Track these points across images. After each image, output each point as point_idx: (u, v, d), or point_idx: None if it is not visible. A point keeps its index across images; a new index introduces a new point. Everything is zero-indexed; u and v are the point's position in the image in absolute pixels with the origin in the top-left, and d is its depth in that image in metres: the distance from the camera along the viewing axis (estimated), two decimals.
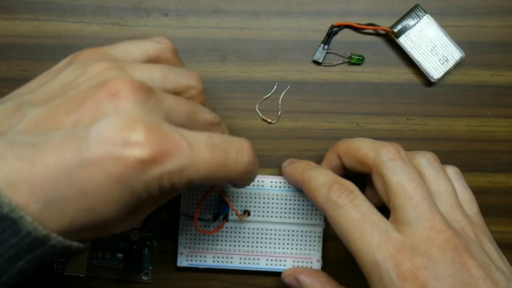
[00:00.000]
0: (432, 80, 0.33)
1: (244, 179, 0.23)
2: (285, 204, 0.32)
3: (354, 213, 0.25)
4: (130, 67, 0.21)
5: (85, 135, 0.18)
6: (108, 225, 0.20)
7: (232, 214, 0.31)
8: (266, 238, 0.32)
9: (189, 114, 0.22)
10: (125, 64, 0.22)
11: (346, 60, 0.33)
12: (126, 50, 0.23)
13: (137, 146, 0.18)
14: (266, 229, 0.32)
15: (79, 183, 0.18)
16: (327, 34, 0.33)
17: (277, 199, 0.32)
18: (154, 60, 0.24)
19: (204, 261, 0.32)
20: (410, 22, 0.33)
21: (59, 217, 0.18)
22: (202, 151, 0.20)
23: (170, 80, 0.23)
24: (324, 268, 0.32)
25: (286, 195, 0.32)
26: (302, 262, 0.31)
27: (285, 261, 0.31)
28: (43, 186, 0.18)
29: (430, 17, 0.33)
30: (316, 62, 0.33)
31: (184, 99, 0.23)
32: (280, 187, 0.32)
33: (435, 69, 0.33)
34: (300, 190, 0.32)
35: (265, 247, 0.32)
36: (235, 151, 0.22)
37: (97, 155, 0.18)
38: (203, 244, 0.31)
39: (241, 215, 0.31)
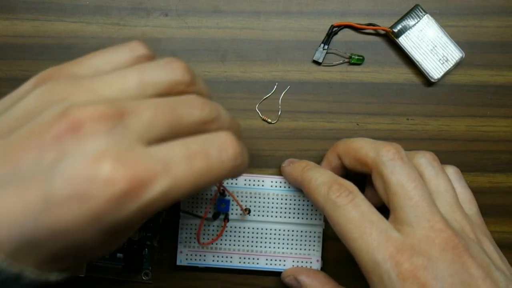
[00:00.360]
0: (432, 80, 0.33)
1: (235, 173, 0.21)
2: (285, 204, 0.32)
3: (353, 213, 0.25)
4: (97, 85, 0.20)
5: (49, 175, 0.17)
6: (88, 255, 0.19)
7: (232, 214, 0.31)
8: (266, 238, 0.32)
9: (171, 122, 0.20)
10: (92, 82, 0.20)
11: (346, 60, 0.33)
12: (93, 65, 0.21)
13: (106, 183, 0.17)
14: (266, 229, 0.32)
15: (48, 225, 0.17)
16: (327, 34, 0.33)
17: (277, 199, 0.32)
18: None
19: (204, 260, 0.32)
20: (410, 22, 0.33)
21: (34, 255, 0.17)
22: (180, 167, 0.18)
23: (149, 84, 0.20)
24: (323, 268, 0.32)
25: (286, 195, 0.32)
26: (302, 262, 0.31)
27: (284, 261, 0.31)
28: (11, 228, 0.17)
29: (430, 17, 0.33)
30: (316, 62, 0.33)
31: (166, 104, 0.20)
32: (280, 187, 0.32)
33: (435, 69, 0.33)
34: (300, 190, 0.32)
35: (265, 247, 0.32)
36: (217, 151, 0.20)
37: (63, 196, 0.17)
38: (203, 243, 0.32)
39: (241, 214, 0.31)
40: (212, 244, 0.31)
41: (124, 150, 0.18)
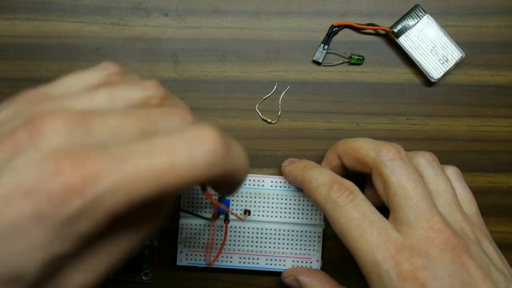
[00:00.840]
0: (432, 80, 0.33)
1: (221, 175, 0.18)
2: (285, 204, 0.32)
3: (354, 213, 0.25)
4: (68, 101, 0.19)
5: None
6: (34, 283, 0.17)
7: (232, 214, 0.31)
8: (266, 238, 0.32)
9: (144, 128, 0.18)
10: (62, 99, 0.19)
11: (346, 60, 0.33)
12: (66, 85, 0.20)
13: (50, 175, 0.16)
14: (266, 229, 0.32)
15: None
16: (327, 34, 0.33)
17: (277, 199, 0.32)
18: None
19: (204, 260, 0.32)
20: (410, 22, 0.33)
21: None
22: (135, 163, 0.17)
23: (120, 99, 0.19)
24: (323, 268, 0.32)
25: (286, 195, 0.32)
26: (302, 262, 0.31)
27: (284, 261, 0.32)
28: None
29: (430, 17, 0.33)
30: (316, 62, 0.33)
31: (138, 114, 0.19)
32: (280, 187, 0.32)
33: (435, 69, 0.33)
34: (300, 190, 0.32)
35: (265, 247, 0.32)
36: (186, 144, 0.17)
37: (6, 191, 0.16)
38: (203, 243, 0.31)
39: (241, 215, 0.31)
40: (213, 246, 0.31)
41: (79, 147, 0.17)
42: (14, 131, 0.17)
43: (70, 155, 0.16)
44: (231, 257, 0.32)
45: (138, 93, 0.20)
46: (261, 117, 0.33)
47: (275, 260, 0.32)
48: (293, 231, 0.32)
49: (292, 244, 0.32)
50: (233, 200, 0.31)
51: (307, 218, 0.32)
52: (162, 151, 0.17)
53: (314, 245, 0.32)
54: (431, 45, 0.33)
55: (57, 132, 0.17)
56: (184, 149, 0.17)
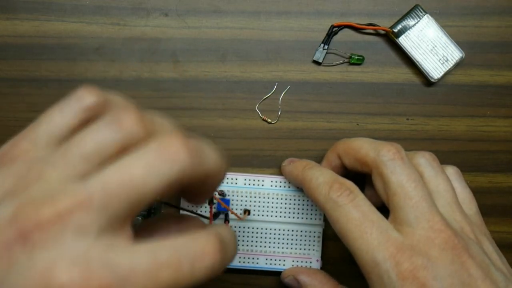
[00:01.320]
0: (432, 80, 0.33)
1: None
2: (285, 203, 0.32)
3: (354, 212, 0.25)
4: (45, 168, 0.18)
5: None
6: None
7: (232, 214, 0.31)
8: (265, 238, 0.32)
9: (135, 201, 0.17)
10: (40, 167, 0.18)
11: (346, 60, 0.33)
12: (42, 136, 0.19)
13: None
14: (266, 229, 0.32)
15: None
16: (327, 34, 0.33)
17: (277, 198, 0.32)
18: (84, 122, 0.20)
19: None
20: (410, 22, 0.33)
21: None
22: (140, 281, 0.16)
23: (95, 155, 0.18)
24: (323, 268, 0.32)
25: (286, 195, 0.32)
26: (302, 262, 0.31)
27: (284, 260, 0.31)
28: None
29: (430, 17, 0.33)
30: (316, 62, 0.33)
31: (124, 181, 0.17)
32: (280, 186, 0.32)
33: (435, 69, 0.33)
34: (300, 190, 0.32)
35: (265, 247, 0.32)
36: (191, 261, 0.18)
37: None
38: None
39: (241, 214, 0.31)
40: None
41: (78, 255, 0.16)
42: (5, 234, 0.16)
43: (73, 264, 0.16)
44: None
45: (113, 139, 0.18)
46: (261, 117, 0.33)
47: (275, 260, 0.32)
48: (293, 231, 0.32)
49: (292, 244, 0.32)
50: (233, 200, 0.31)
51: (307, 218, 0.32)
52: (167, 269, 0.17)
53: (314, 245, 0.32)
54: (431, 45, 0.33)
55: (47, 240, 0.16)
56: (188, 266, 0.18)
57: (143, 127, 0.19)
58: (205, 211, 0.32)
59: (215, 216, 0.31)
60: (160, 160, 0.17)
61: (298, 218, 0.32)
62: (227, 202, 0.31)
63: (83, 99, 0.20)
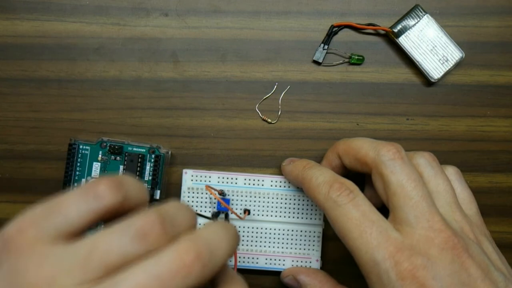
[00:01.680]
0: (432, 80, 0.33)
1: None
2: (285, 203, 0.32)
3: (354, 212, 0.25)
4: (53, 272, 0.17)
5: None
6: None
7: (232, 213, 0.31)
8: (265, 238, 0.32)
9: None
10: (48, 269, 0.17)
11: (346, 60, 0.33)
12: (51, 227, 0.18)
13: None
14: (266, 229, 0.32)
15: None
16: (327, 34, 0.33)
17: (277, 198, 0.32)
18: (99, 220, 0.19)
19: None
20: (410, 22, 0.33)
21: None
22: None
23: (95, 267, 0.17)
24: (323, 268, 0.32)
25: (286, 195, 0.32)
26: (301, 261, 0.31)
27: (284, 260, 0.32)
28: None
29: (430, 17, 0.33)
30: (316, 62, 0.33)
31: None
32: (280, 186, 0.32)
33: (435, 69, 0.33)
34: (300, 189, 0.32)
35: (265, 247, 0.32)
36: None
37: None
38: None
39: (241, 214, 0.31)
40: None
41: None
42: None
43: None
44: None
45: (137, 250, 0.18)
46: (261, 117, 0.33)
47: (275, 259, 0.32)
48: (292, 230, 0.32)
49: (291, 243, 0.32)
50: (233, 200, 0.31)
51: (306, 218, 0.32)
52: None
53: (313, 245, 0.32)
54: (431, 45, 0.33)
55: None
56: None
57: (164, 235, 0.18)
58: (205, 211, 0.32)
59: (215, 215, 0.31)
60: (174, 274, 0.17)
61: (298, 218, 0.32)
62: (227, 201, 0.31)
63: (103, 198, 0.19)
